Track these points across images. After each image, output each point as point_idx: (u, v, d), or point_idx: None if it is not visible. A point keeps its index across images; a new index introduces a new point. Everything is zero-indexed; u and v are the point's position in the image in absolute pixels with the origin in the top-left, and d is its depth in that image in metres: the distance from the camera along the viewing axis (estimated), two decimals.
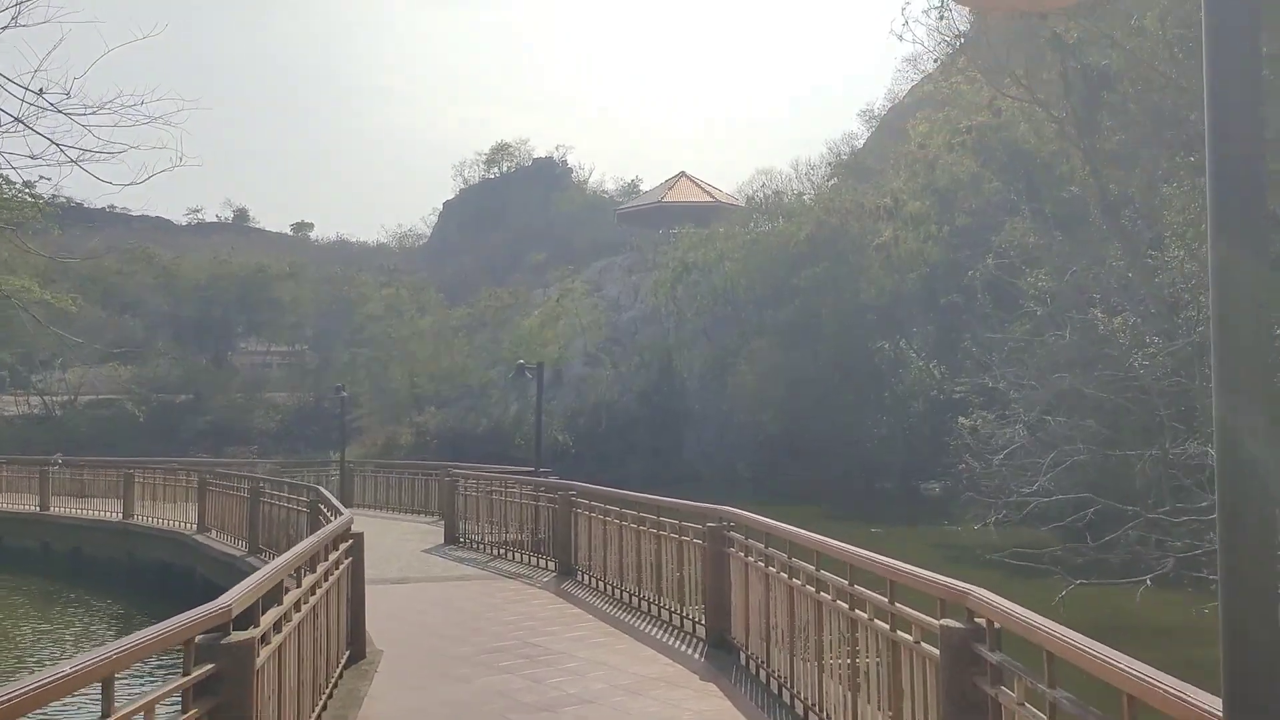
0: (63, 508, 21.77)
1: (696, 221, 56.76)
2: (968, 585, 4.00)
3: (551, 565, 12.52)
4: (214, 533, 16.43)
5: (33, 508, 22.16)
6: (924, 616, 4.37)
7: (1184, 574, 14.66)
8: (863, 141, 71.59)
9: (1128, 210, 27.77)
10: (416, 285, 69.98)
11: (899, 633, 4.64)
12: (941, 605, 4.16)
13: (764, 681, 6.81)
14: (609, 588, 10.65)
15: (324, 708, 6.01)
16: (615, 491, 10.64)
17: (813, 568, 5.85)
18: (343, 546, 6.92)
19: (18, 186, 52.24)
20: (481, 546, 14.54)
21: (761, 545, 6.87)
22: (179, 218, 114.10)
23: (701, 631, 8.38)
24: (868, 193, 45.20)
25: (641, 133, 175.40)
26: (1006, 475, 17.70)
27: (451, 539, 15.50)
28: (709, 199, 68.78)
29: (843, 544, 5.49)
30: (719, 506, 8.15)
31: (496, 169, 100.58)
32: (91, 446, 47.50)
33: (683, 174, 74.83)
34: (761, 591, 6.85)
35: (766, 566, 6.75)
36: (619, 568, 10.34)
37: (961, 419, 33.02)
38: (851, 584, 5.26)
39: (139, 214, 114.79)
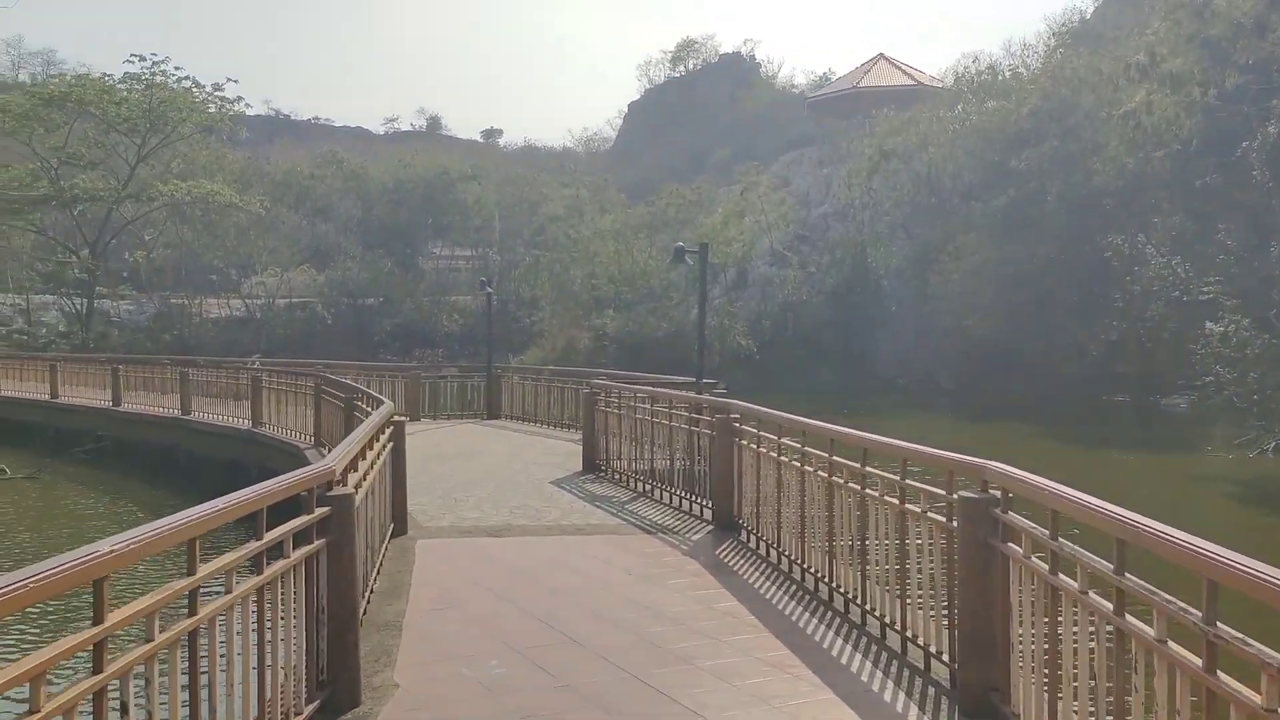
0: (202, 412, 20.31)
1: (896, 107, 51.19)
2: None
3: (709, 513, 9.23)
4: (326, 448, 14.11)
5: (174, 411, 20.85)
6: None
7: None
8: (1091, 11, 62.82)
9: None
10: (597, 185, 68.09)
11: None
12: None
13: None
14: (786, 561, 7.23)
15: None
16: (796, 419, 7.07)
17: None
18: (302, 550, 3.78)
19: (207, 90, 52.47)
20: (624, 479, 11.37)
21: (1106, 565, 3.23)
22: (377, 127, 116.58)
23: (943, 672, 4.86)
24: (1105, 59, 38.56)
25: (835, 25, 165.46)
26: None
27: (591, 466, 12.43)
28: (910, 81, 62.45)
29: None
30: (983, 462, 4.45)
31: (682, 67, 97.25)
32: (288, 348, 48.13)
33: (881, 56, 68.42)
34: (1100, 648, 3.27)
35: (1123, 617, 3.14)
36: (801, 533, 6.90)
37: (1210, 324, 27.81)
38: None
39: (340, 124, 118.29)
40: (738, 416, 8.54)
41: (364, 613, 5.80)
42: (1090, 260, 37.05)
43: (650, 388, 11.93)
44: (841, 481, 6.11)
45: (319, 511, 4.18)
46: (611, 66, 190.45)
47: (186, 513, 3.06)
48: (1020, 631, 4.03)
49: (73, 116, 47.64)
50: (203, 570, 2.98)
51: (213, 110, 52.18)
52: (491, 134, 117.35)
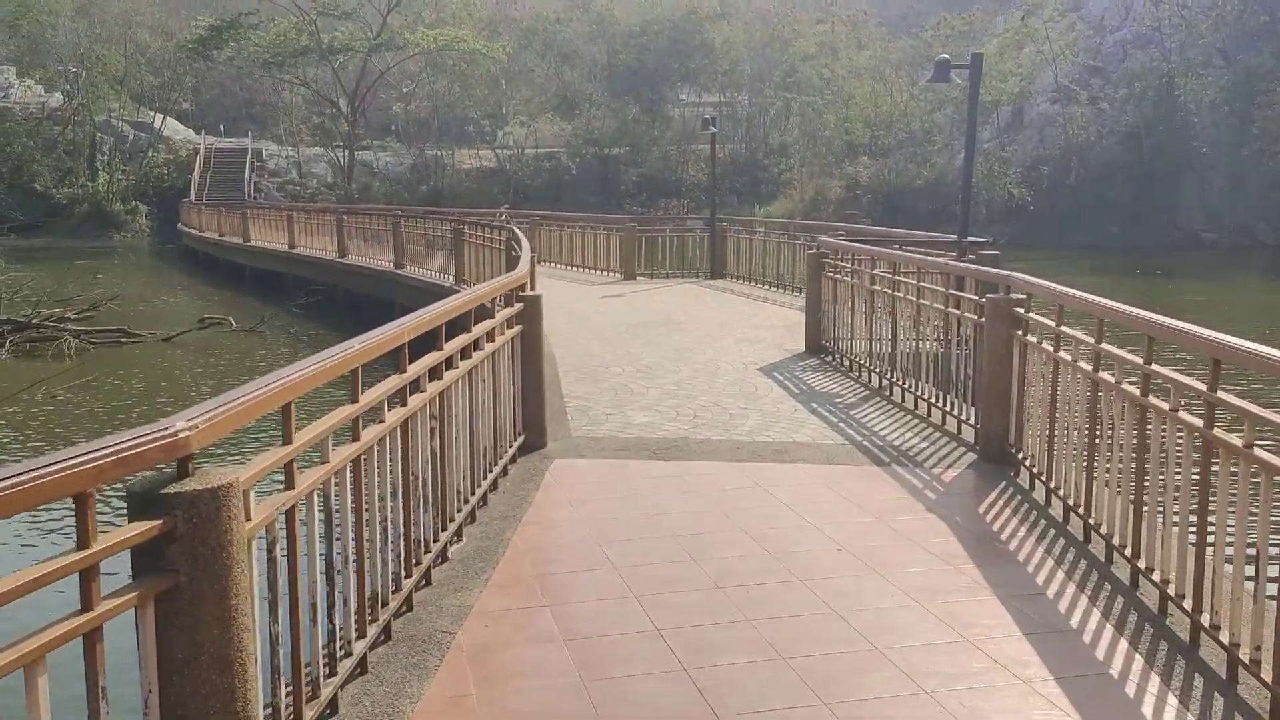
0: (413, 265, 19.23)
1: None
2: None
3: (971, 430, 6.54)
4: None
5: (387, 264, 19.95)
6: None
7: None
8: None
9: None
10: (854, 18, 62.48)
11: None
12: None
13: None
14: (1101, 544, 4.39)
15: None
16: (1134, 313, 4.14)
17: None
18: None
19: None
20: (855, 368, 8.69)
21: None
22: None
23: None
24: None
25: None
26: None
27: (815, 347, 9.75)
28: None
29: None
30: None
31: None
32: (535, 199, 47.92)
33: None
34: None
35: None
36: (1136, 501, 4.15)
37: None
38: None
39: None
40: (1021, 299, 5.69)
41: (405, 606, 3.78)
42: None
43: (897, 249, 9.01)
44: (1229, 440, 3.33)
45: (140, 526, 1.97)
46: None
47: None
48: None
49: None
50: None
51: None
52: None
